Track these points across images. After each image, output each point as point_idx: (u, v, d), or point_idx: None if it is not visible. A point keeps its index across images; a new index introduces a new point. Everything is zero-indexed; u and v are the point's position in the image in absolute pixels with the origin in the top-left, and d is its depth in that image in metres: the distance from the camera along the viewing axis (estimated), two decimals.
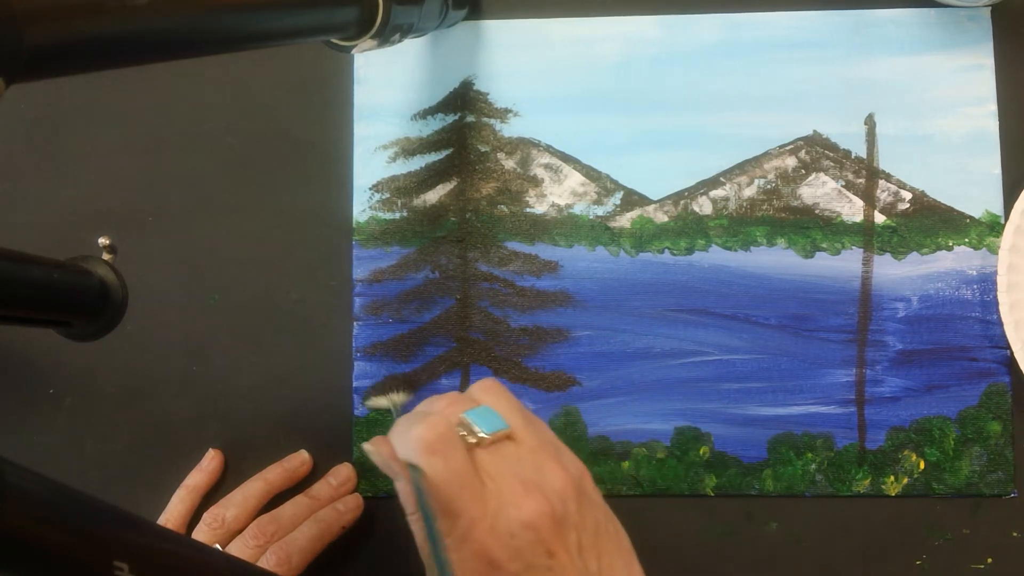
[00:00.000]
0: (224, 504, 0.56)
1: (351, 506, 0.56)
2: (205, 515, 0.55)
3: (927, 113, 0.58)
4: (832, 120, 0.58)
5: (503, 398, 0.39)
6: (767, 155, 0.58)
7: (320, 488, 0.57)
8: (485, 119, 0.60)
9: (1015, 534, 0.56)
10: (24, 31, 0.30)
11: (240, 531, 0.54)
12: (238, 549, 0.53)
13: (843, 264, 0.58)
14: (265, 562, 0.52)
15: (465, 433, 0.37)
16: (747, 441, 0.57)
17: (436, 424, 0.36)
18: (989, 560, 0.56)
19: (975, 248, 0.57)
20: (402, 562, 0.58)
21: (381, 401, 0.54)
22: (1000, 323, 0.55)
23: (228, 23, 0.39)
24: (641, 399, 0.57)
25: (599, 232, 0.59)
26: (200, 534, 0.54)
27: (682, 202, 0.59)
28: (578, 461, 0.39)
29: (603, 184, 0.59)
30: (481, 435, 0.37)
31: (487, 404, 0.39)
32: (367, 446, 0.40)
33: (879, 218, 0.58)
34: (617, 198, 0.59)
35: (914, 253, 0.57)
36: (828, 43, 0.58)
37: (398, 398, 0.51)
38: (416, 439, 0.36)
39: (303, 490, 0.57)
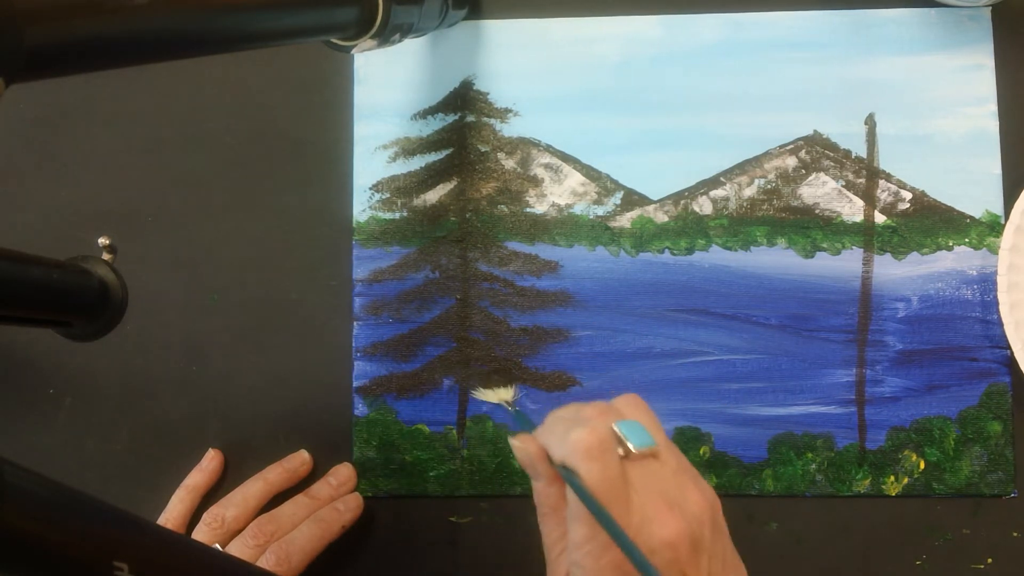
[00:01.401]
0: (224, 504, 0.56)
1: (351, 506, 0.56)
2: (205, 515, 0.55)
3: (927, 113, 0.58)
4: (832, 120, 0.58)
5: (647, 415, 0.39)
6: (767, 155, 0.58)
7: (320, 488, 0.57)
8: (485, 119, 0.60)
9: (1015, 534, 0.56)
10: (24, 31, 0.30)
11: (240, 531, 0.54)
12: (238, 549, 0.53)
13: (843, 264, 0.58)
14: (265, 562, 0.52)
15: (616, 442, 0.37)
16: (747, 441, 0.57)
17: (597, 431, 0.37)
18: (989, 560, 0.56)
19: (975, 248, 0.57)
20: (402, 562, 0.58)
21: (491, 396, 0.54)
22: (1000, 323, 0.55)
23: (228, 23, 0.39)
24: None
25: (599, 232, 0.59)
26: (200, 534, 0.54)
27: (682, 202, 0.58)
28: (711, 489, 0.39)
29: (603, 184, 0.59)
30: (632, 448, 0.37)
31: (629, 416, 0.39)
32: (515, 442, 0.39)
33: (879, 218, 0.58)
34: (617, 198, 0.59)
35: (914, 253, 0.57)
36: (828, 43, 0.58)
37: (507, 395, 0.52)
38: (577, 442, 0.36)
39: (303, 490, 0.57)
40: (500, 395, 0.52)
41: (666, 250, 0.58)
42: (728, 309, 0.58)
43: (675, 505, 0.36)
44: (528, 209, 0.59)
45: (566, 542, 0.37)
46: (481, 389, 0.56)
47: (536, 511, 0.39)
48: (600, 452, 0.36)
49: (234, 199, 0.60)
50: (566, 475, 0.36)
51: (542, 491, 0.39)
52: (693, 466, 0.39)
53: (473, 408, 0.58)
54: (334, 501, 0.57)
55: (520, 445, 0.39)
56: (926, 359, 0.57)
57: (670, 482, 0.37)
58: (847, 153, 0.58)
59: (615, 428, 0.38)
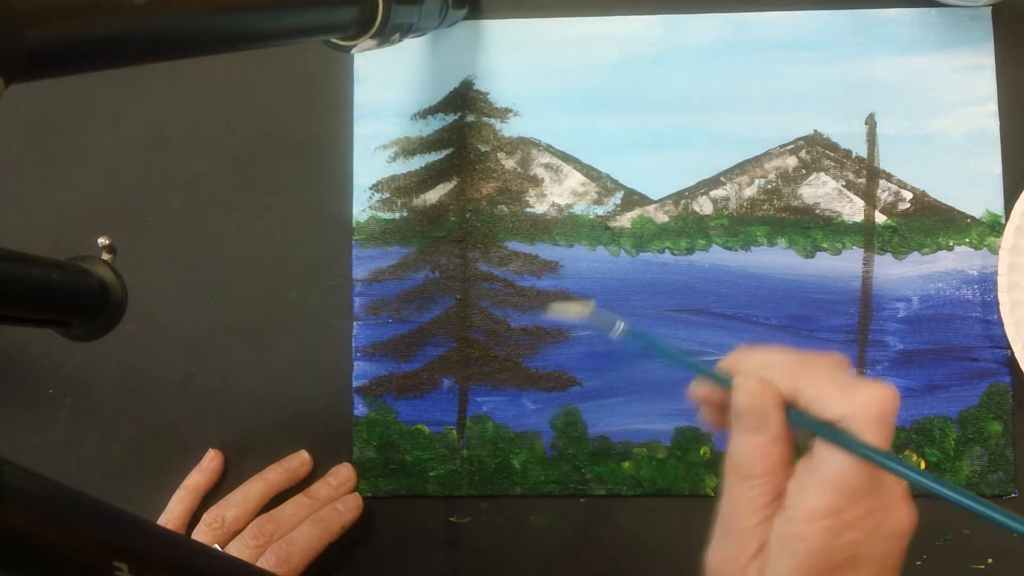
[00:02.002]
0: (224, 504, 0.56)
1: (351, 506, 0.56)
2: (205, 515, 0.55)
3: (928, 113, 0.58)
4: (832, 120, 0.58)
5: None
6: (767, 155, 0.58)
7: (320, 488, 0.57)
8: (485, 119, 0.60)
9: (1015, 535, 0.56)
10: (24, 31, 0.30)
11: (240, 531, 0.54)
12: (237, 549, 0.53)
13: (844, 264, 0.58)
14: (264, 562, 0.52)
15: None
16: None
17: (893, 395, 0.32)
18: (989, 560, 0.56)
19: (976, 248, 0.57)
20: (402, 562, 0.58)
21: (571, 308, 0.42)
22: (1001, 323, 0.55)
23: (228, 23, 0.39)
24: (641, 399, 0.57)
25: (599, 232, 0.59)
26: (200, 534, 0.54)
27: (682, 202, 0.58)
28: None
29: (603, 184, 0.59)
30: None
31: None
32: (744, 383, 0.33)
33: (880, 218, 0.58)
34: (617, 198, 0.59)
35: (915, 253, 0.57)
36: (828, 43, 0.58)
37: (585, 309, 0.42)
38: (871, 404, 0.31)
39: (303, 490, 0.57)
40: (580, 309, 0.42)
41: (666, 250, 0.58)
42: (728, 309, 0.58)
43: (907, 496, 0.33)
44: (528, 209, 0.59)
45: (771, 510, 0.33)
46: (558, 304, 0.46)
47: (731, 470, 0.34)
48: (890, 420, 0.32)
49: (234, 199, 0.60)
50: (832, 433, 0.31)
51: (761, 449, 0.33)
52: None
53: (473, 408, 0.58)
54: (334, 501, 0.56)
55: (753, 387, 0.33)
56: (926, 359, 0.57)
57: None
58: (847, 153, 0.58)
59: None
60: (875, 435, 0.31)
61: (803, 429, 0.33)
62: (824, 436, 0.32)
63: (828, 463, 0.32)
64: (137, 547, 0.34)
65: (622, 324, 0.37)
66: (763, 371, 0.34)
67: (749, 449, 0.33)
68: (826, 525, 0.31)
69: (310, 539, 0.54)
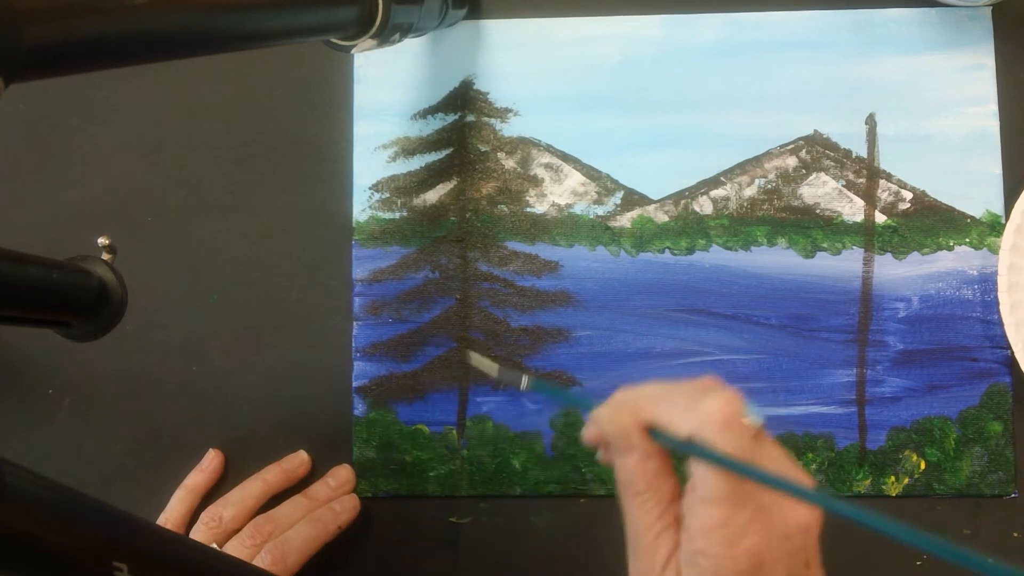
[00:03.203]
0: (222, 503, 0.56)
1: (348, 507, 0.56)
2: (203, 514, 0.55)
3: (928, 113, 0.58)
4: (833, 120, 0.58)
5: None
6: (768, 155, 0.58)
7: (318, 489, 0.57)
8: (485, 119, 0.60)
9: (1015, 534, 0.56)
10: (24, 31, 0.30)
11: (237, 531, 0.54)
12: (235, 548, 0.53)
13: (844, 264, 0.57)
14: (260, 561, 0.52)
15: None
16: None
17: (733, 400, 0.33)
18: (989, 561, 0.56)
19: (976, 248, 0.57)
20: (402, 562, 0.58)
21: (485, 362, 0.45)
22: (1001, 323, 0.55)
23: (228, 23, 0.39)
24: None
25: (599, 232, 0.58)
26: (198, 533, 0.54)
27: (683, 202, 0.58)
28: None
29: (603, 184, 0.59)
30: (757, 423, 0.34)
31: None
32: (602, 413, 0.35)
33: (880, 218, 0.58)
34: (617, 198, 0.59)
35: (915, 253, 0.57)
36: (828, 43, 0.58)
37: (493, 366, 0.45)
38: (713, 412, 0.33)
39: (301, 490, 0.57)
40: (511, 373, 0.45)
41: (666, 250, 0.58)
42: (728, 309, 0.58)
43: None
44: (528, 209, 0.59)
45: (666, 522, 0.34)
46: (478, 356, 0.48)
47: (622, 491, 0.36)
48: (737, 423, 0.33)
49: (234, 199, 0.60)
50: (693, 449, 0.33)
51: (635, 467, 0.35)
52: None
53: (473, 408, 0.58)
54: (331, 502, 0.56)
55: (611, 416, 0.35)
56: (927, 359, 0.57)
57: (788, 465, 0.34)
58: (847, 153, 0.58)
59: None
60: (725, 441, 0.32)
61: (671, 449, 0.34)
62: (688, 453, 0.33)
63: (702, 479, 0.33)
64: (137, 547, 0.34)
65: (526, 379, 0.40)
66: (628, 402, 0.36)
67: (626, 469, 0.35)
68: (720, 537, 0.32)
69: (306, 539, 0.54)
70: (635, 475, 0.35)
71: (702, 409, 0.33)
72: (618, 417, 0.35)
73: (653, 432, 0.35)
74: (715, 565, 0.32)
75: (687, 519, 0.33)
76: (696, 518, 0.33)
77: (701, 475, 0.33)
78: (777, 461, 0.34)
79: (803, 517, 0.33)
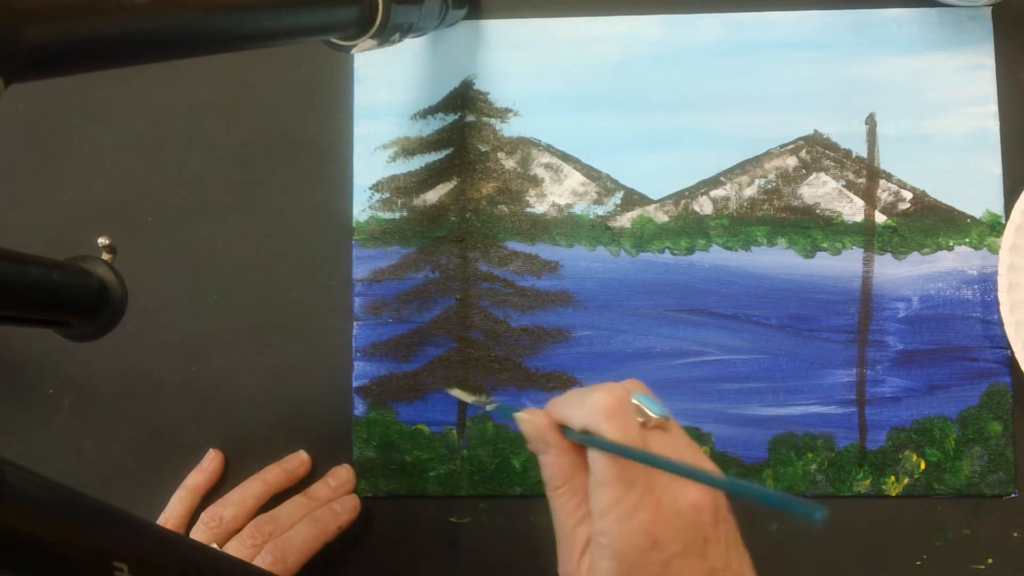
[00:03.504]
0: (222, 503, 0.56)
1: (348, 507, 0.56)
2: (203, 514, 0.55)
3: (928, 113, 0.58)
4: (832, 120, 0.58)
5: (653, 394, 0.40)
6: (768, 155, 0.58)
7: (318, 489, 0.57)
8: (485, 119, 0.60)
9: (1015, 534, 0.56)
10: (24, 31, 0.30)
11: (238, 530, 0.54)
12: (235, 548, 0.53)
13: (844, 264, 0.58)
14: (261, 561, 0.52)
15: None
16: (748, 441, 0.57)
17: (616, 392, 0.37)
18: (989, 560, 0.56)
19: (976, 248, 0.57)
20: (402, 562, 0.58)
21: (466, 396, 0.55)
22: (1001, 323, 0.55)
23: (228, 23, 0.39)
24: None
25: (599, 232, 0.59)
26: (198, 533, 0.54)
27: (683, 202, 0.58)
28: None
29: (603, 184, 0.59)
30: (650, 414, 0.38)
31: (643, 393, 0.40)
32: (521, 415, 0.40)
33: (880, 218, 0.58)
34: (617, 198, 0.59)
35: (915, 253, 0.57)
36: (828, 43, 0.58)
37: (483, 400, 0.54)
38: (598, 404, 0.37)
39: (302, 490, 0.57)
40: (476, 396, 0.54)
41: (666, 250, 0.58)
42: (728, 309, 0.58)
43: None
44: (528, 209, 0.59)
45: (582, 512, 0.38)
46: (457, 389, 0.57)
47: (546, 487, 0.39)
48: (621, 412, 0.37)
49: (234, 199, 0.60)
50: (588, 439, 0.37)
51: (553, 463, 0.39)
52: None
53: (473, 408, 0.58)
54: (331, 502, 0.56)
55: (528, 417, 0.39)
56: (926, 359, 0.57)
57: (686, 452, 0.38)
58: (847, 153, 0.58)
59: (632, 396, 0.38)
60: (610, 429, 0.36)
61: (577, 442, 0.38)
62: (586, 444, 0.37)
63: (594, 464, 0.36)
64: (137, 547, 0.34)
65: (493, 404, 0.48)
66: (546, 406, 0.40)
67: (546, 466, 0.39)
68: (615, 515, 0.35)
69: (306, 538, 0.54)
70: (553, 470, 0.39)
71: (588, 403, 0.37)
72: (534, 419, 0.39)
73: (564, 429, 0.39)
74: (613, 542, 0.35)
75: (591, 504, 0.37)
76: (595, 501, 0.36)
77: (593, 460, 0.36)
78: (672, 445, 0.38)
79: (692, 495, 0.36)
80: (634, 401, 0.38)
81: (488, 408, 0.48)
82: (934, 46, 0.58)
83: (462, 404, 0.58)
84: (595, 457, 0.36)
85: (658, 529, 0.35)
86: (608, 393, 0.37)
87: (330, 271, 0.59)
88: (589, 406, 0.37)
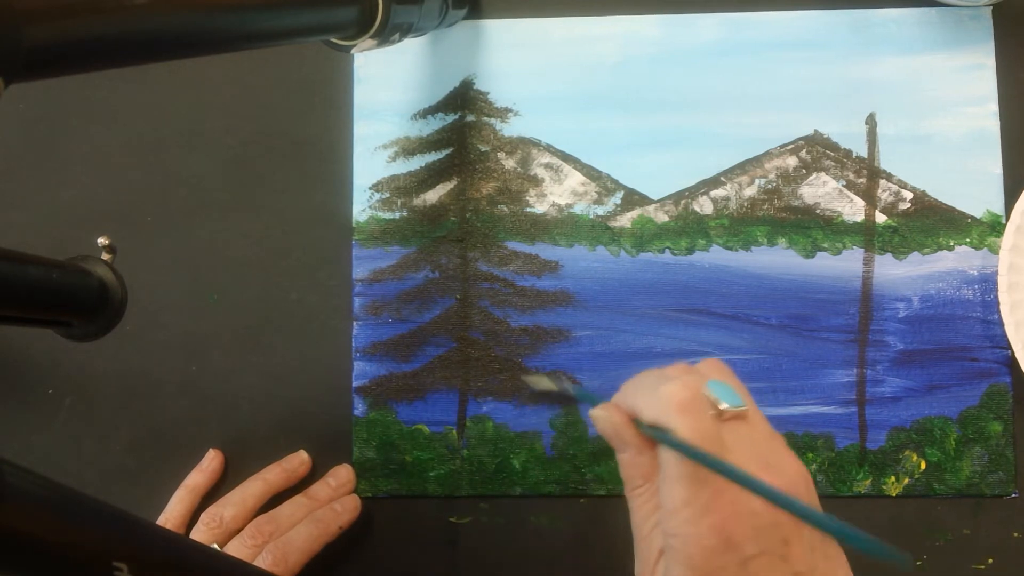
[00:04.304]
0: (222, 504, 0.56)
1: (349, 507, 0.56)
2: (203, 514, 0.55)
3: (928, 113, 0.58)
4: (833, 120, 0.58)
5: (734, 379, 0.37)
6: (768, 155, 0.58)
7: (319, 489, 0.57)
8: (485, 119, 0.60)
9: (1016, 534, 0.56)
10: (24, 31, 0.30)
11: (238, 531, 0.54)
12: (235, 549, 0.53)
13: (844, 264, 0.57)
14: (261, 561, 0.52)
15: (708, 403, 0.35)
16: None
17: (689, 384, 0.35)
18: (990, 560, 0.56)
19: (976, 248, 0.57)
20: (402, 562, 0.58)
21: (544, 381, 0.52)
22: (1001, 323, 0.55)
23: (228, 23, 0.39)
24: None
25: (599, 232, 0.58)
26: (198, 533, 0.54)
27: (683, 202, 0.58)
28: (801, 460, 0.37)
29: (603, 184, 0.59)
30: (723, 407, 0.35)
31: (716, 378, 0.37)
32: (597, 411, 0.37)
33: (880, 218, 0.58)
34: (617, 198, 0.59)
35: (915, 253, 0.57)
36: (828, 43, 0.58)
37: (558, 383, 0.51)
38: (670, 397, 0.34)
39: (302, 491, 0.57)
40: (556, 382, 0.51)
41: (666, 250, 0.58)
42: (728, 309, 0.58)
43: (772, 467, 0.34)
44: (528, 209, 0.59)
45: (659, 515, 0.35)
46: (535, 376, 0.55)
47: (624, 487, 0.37)
48: (694, 406, 0.34)
49: (234, 199, 0.60)
50: (658, 435, 0.34)
51: (631, 462, 0.36)
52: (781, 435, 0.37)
53: (473, 408, 0.58)
54: (332, 502, 0.56)
55: (603, 414, 0.37)
56: (927, 359, 0.57)
57: (764, 446, 0.35)
58: (848, 153, 0.58)
59: (705, 387, 0.35)
60: (682, 424, 0.33)
61: (649, 437, 0.36)
62: (658, 439, 0.35)
63: (665, 461, 0.34)
64: (137, 547, 0.34)
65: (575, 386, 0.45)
66: (618, 399, 0.37)
67: (624, 465, 0.37)
68: (685, 515, 0.33)
69: (307, 539, 0.54)
70: (631, 470, 0.36)
71: (659, 395, 0.34)
72: (609, 415, 0.37)
73: (637, 423, 0.36)
74: (683, 544, 0.33)
75: (663, 501, 0.34)
76: (665, 499, 0.34)
77: (664, 457, 0.34)
78: (750, 439, 0.35)
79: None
80: (708, 392, 0.35)
81: (571, 392, 0.45)
82: (934, 46, 0.58)
83: (462, 404, 0.58)
84: (665, 453, 0.34)
85: (733, 530, 0.32)
86: (682, 386, 0.34)
87: (330, 271, 0.59)
88: (661, 399, 0.34)
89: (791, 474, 0.35)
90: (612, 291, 0.58)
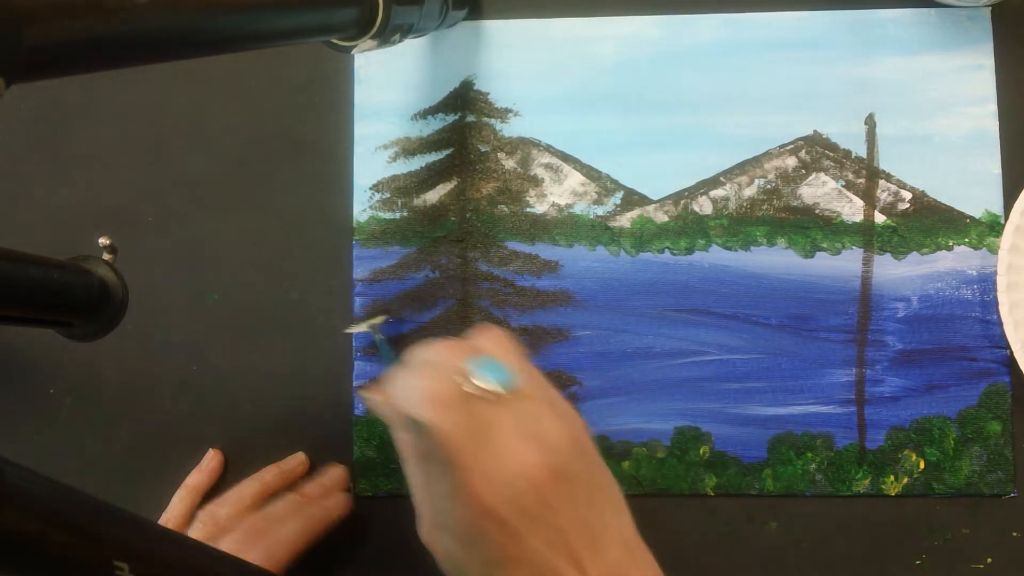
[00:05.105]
0: (219, 503, 0.56)
1: (338, 503, 0.56)
2: (199, 512, 0.55)
3: (927, 113, 0.58)
4: (832, 120, 0.58)
5: (502, 345, 0.38)
6: (767, 155, 0.58)
7: (310, 487, 0.57)
8: (485, 119, 0.60)
9: (1015, 534, 0.56)
10: (24, 31, 0.30)
11: (233, 529, 0.54)
12: (228, 547, 0.53)
13: (843, 264, 0.58)
14: (249, 557, 0.52)
15: (464, 382, 0.36)
16: (747, 441, 0.57)
17: (436, 376, 0.36)
18: (989, 560, 0.56)
19: (975, 248, 0.57)
20: (402, 562, 0.58)
21: (360, 326, 0.54)
22: (1000, 323, 0.55)
23: (228, 23, 0.39)
24: (641, 399, 0.57)
25: (599, 232, 0.59)
26: (194, 531, 0.55)
27: (682, 202, 0.59)
28: (574, 412, 0.38)
29: (603, 184, 0.59)
30: (480, 386, 0.36)
31: (487, 352, 0.38)
32: (365, 393, 0.39)
33: (879, 218, 0.58)
34: (617, 198, 0.59)
35: (914, 253, 0.57)
36: (828, 43, 0.58)
37: (376, 321, 0.53)
38: (416, 391, 0.36)
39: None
40: (371, 323, 0.53)
41: (666, 250, 0.58)
42: (728, 309, 0.58)
43: (531, 436, 0.36)
44: (528, 209, 0.59)
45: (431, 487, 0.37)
46: (354, 324, 0.57)
47: (400, 461, 0.39)
48: (442, 398, 0.35)
49: (234, 199, 0.60)
50: (411, 423, 0.36)
51: (403, 438, 0.38)
52: (556, 391, 0.39)
53: None
54: (322, 499, 0.56)
55: (369, 396, 0.38)
56: (926, 359, 0.57)
57: (525, 413, 0.36)
58: (847, 153, 0.58)
59: (464, 366, 0.36)
60: (433, 419, 0.35)
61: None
62: (411, 424, 0.37)
63: (402, 446, 0.38)
64: (137, 547, 0.34)
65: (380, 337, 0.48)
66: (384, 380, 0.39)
67: (397, 441, 0.39)
68: (440, 492, 0.36)
69: (294, 534, 0.54)
70: (402, 444, 0.38)
71: (408, 390, 0.36)
72: (374, 397, 0.39)
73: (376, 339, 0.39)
74: (444, 517, 0.36)
75: (430, 483, 0.37)
76: (408, 480, 0.37)
77: (401, 443, 0.37)
78: (513, 417, 0.36)
79: (519, 465, 0.35)
80: (466, 369, 0.36)
81: (376, 336, 0.46)
82: (933, 46, 0.58)
83: None
84: (398, 437, 0.36)
85: (487, 500, 0.34)
86: (428, 379, 0.36)
87: (330, 271, 0.60)
88: (409, 393, 0.36)
89: (552, 441, 0.36)
90: (612, 291, 0.58)
